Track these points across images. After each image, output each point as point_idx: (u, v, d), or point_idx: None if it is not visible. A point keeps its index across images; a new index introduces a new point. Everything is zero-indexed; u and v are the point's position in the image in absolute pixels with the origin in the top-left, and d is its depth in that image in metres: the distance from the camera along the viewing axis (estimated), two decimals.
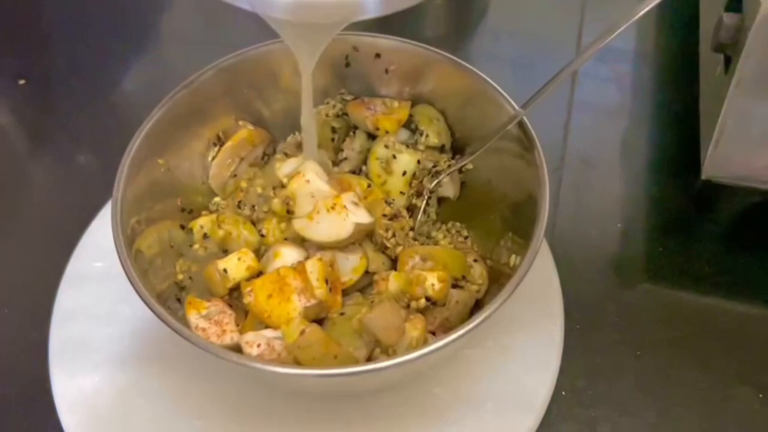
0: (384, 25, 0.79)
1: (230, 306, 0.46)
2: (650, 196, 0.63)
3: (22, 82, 0.74)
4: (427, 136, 0.52)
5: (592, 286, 0.56)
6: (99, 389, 0.49)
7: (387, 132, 0.52)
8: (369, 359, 0.42)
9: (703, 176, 0.55)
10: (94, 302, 0.53)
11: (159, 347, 0.50)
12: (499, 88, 0.48)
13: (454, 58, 0.51)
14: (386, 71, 0.53)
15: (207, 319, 0.44)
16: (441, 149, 0.53)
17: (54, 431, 0.48)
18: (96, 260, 0.55)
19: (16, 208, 0.63)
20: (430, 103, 0.54)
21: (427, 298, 0.45)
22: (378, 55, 0.52)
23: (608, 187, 0.64)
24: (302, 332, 0.40)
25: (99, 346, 0.51)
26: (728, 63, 0.51)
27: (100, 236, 0.57)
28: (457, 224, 0.52)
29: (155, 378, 0.49)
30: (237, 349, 0.42)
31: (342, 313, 0.44)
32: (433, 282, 0.44)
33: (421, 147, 0.52)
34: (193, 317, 0.44)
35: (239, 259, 0.46)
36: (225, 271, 0.45)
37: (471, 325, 0.39)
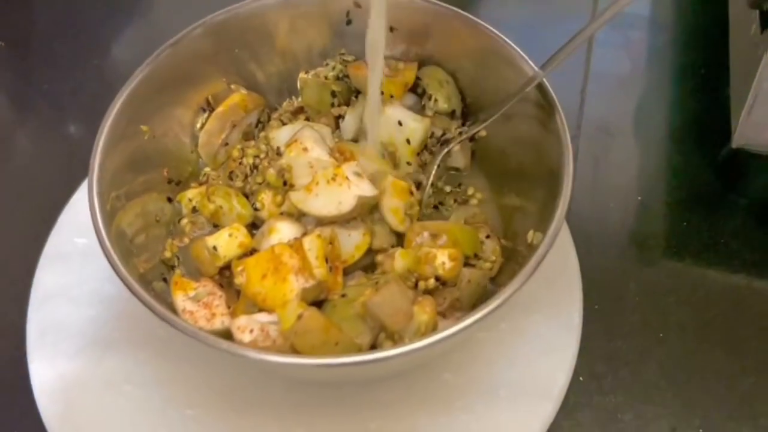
0: None
1: (221, 286, 0.42)
2: (672, 167, 0.60)
3: (0, 44, 0.70)
4: (435, 100, 0.49)
5: (611, 264, 0.54)
6: (81, 376, 0.46)
7: (392, 96, 0.48)
8: (373, 346, 0.39)
9: (734, 145, 0.52)
10: (76, 282, 0.50)
11: (147, 331, 0.47)
12: (516, 47, 0.44)
13: (466, 14, 0.47)
14: (391, 29, 0.49)
15: (195, 301, 0.40)
16: (451, 115, 0.50)
17: (32, 422, 0.45)
18: (78, 236, 0.52)
19: None
20: (439, 64, 0.50)
21: (437, 278, 0.41)
22: None
23: (627, 158, 0.61)
24: (300, 317, 0.36)
25: (81, 330, 0.48)
26: (765, 20, 0.47)
27: (83, 210, 0.52)
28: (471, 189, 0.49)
29: (143, 364, 0.46)
30: (228, 334, 0.39)
31: (343, 295, 0.41)
32: (443, 260, 0.41)
33: (430, 113, 0.49)
34: (180, 299, 0.40)
35: (230, 235, 0.42)
36: (215, 248, 0.42)
37: (486, 310, 0.35)
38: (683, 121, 0.63)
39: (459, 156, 0.49)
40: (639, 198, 0.58)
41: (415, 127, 0.47)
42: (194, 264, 0.43)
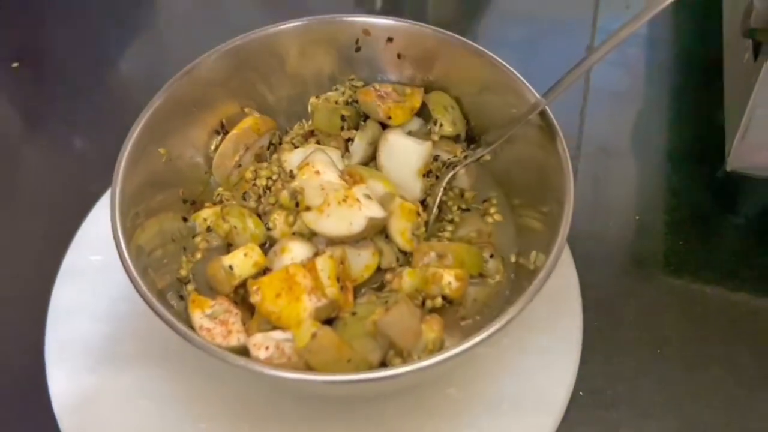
0: (390, 9, 0.78)
1: (236, 304, 0.44)
2: (670, 187, 0.62)
3: (15, 65, 0.73)
4: (441, 125, 0.50)
5: (610, 281, 0.55)
6: (99, 391, 0.48)
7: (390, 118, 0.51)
8: (383, 363, 0.40)
9: (728, 168, 0.54)
10: (93, 299, 0.52)
11: (162, 347, 0.49)
12: (518, 75, 0.47)
13: (471, 42, 0.49)
14: (398, 56, 0.52)
15: (212, 318, 0.42)
16: (456, 139, 0.51)
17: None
18: (94, 253, 0.54)
19: (9, 197, 0.63)
20: (444, 89, 0.52)
21: (444, 297, 0.43)
22: (390, 39, 0.51)
23: (626, 177, 0.63)
24: (314, 335, 0.38)
25: (98, 345, 0.50)
26: (758, 49, 0.49)
27: (98, 227, 0.56)
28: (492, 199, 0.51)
29: (158, 379, 0.48)
30: (244, 350, 0.41)
31: (354, 313, 0.42)
32: (450, 280, 0.43)
33: (435, 137, 0.50)
34: (197, 317, 0.42)
35: (245, 255, 0.44)
36: (231, 267, 0.43)
37: (492, 330, 0.37)
38: (680, 141, 0.65)
39: (464, 178, 0.51)
40: (637, 217, 0.59)
41: (417, 149, 0.49)
42: (210, 282, 0.45)
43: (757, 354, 0.51)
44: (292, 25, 0.50)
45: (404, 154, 0.49)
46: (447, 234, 0.49)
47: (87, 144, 0.67)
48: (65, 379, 0.48)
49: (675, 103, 0.68)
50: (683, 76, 0.71)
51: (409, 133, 0.51)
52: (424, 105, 0.51)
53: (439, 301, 0.43)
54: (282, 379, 0.36)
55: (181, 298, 0.45)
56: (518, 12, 0.79)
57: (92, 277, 0.52)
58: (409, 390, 0.45)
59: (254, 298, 0.41)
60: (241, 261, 0.44)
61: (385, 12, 0.76)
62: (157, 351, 0.49)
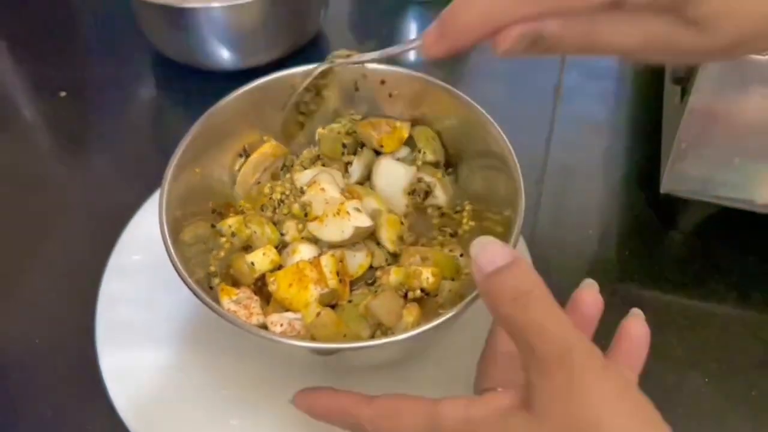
0: (378, 37, 0.86)
1: (255, 293, 0.53)
2: (621, 205, 0.71)
3: (63, 94, 0.80)
4: (424, 153, 0.59)
5: (566, 285, 0.59)
6: (141, 365, 0.56)
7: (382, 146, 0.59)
8: (372, 338, 0.50)
9: (662, 190, 0.62)
10: (134, 291, 0.60)
11: (193, 329, 0.58)
12: (486, 114, 0.55)
13: (451, 87, 0.57)
14: (390, 95, 0.60)
15: (237, 303, 0.51)
16: (436, 165, 0.60)
17: (102, 402, 0.55)
18: (134, 254, 0.63)
19: (62, 209, 0.70)
20: (428, 124, 0.60)
21: (422, 290, 0.52)
22: (383, 82, 0.59)
23: (585, 197, 0.71)
24: (318, 314, 0.48)
25: (140, 328, 0.58)
26: (683, 94, 0.59)
27: (137, 233, 0.64)
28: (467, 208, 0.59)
29: (189, 355, 0.57)
30: (263, 328, 0.50)
31: (350, 301, 0.52)
32: (427, 276, 0.52)
33: (419, 162, 0.59)
34: (226, 302, 0.51)
35: (264, 254, 0.53)
36: (252, 263, 0.53)
37: (451, 314, 0.45)
38: (632, 166, 0.73)
39: (442, 195, 0.59)
40: (591, 232, 0.68)
41: (404, 172, 0.58)
42: (234, 275, 0.54)
43: (683, 345, 0.59)
44: (302, 69, 0.59)
45: (394, 175, 0.58)
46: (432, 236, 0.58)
47: (126, 165, 0.74)
48: (113, 356, 0.56)
49: (630, 133, 0.77)
50: (638, 110, 0.79)
51: (398, 159, 0.60)
52: (410, 136, 0.60)
53: (418, 292, 0.52)
54: (292, 346, 0.45)
55: (211, 288, 0.54)
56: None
57: (134, 273, 0.61)
58: (393, 365, 0.53)
59: (271, 288, 0.51)
60: (261, 258, 0.53)
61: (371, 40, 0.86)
62: (188, 333, 0.58)
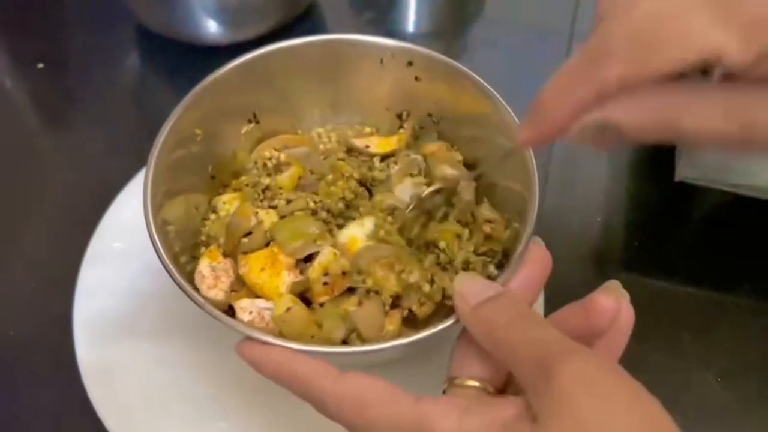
0: (376, 7, 0.83)
1: (235, 273, 0.49)
2: (629, 193, 0.67)
3: (40, 65, 0.76)
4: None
5: (572, 275, 0.60)
6: (121, 359, 0.53)
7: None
8: (345, 341, 0.46)
9: (677, 178, 0.60)
10: (115, 280, 0.57)
11: (176, 322, 0.54)
12: (512, 113, 0.50)
13: (479, 79, 0.52)
14: (416, 78, 0.56)
15: (212, 270, 0.47)
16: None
17: (79, 398, 0.52)
18: (115, 241, 0.59)
19: (37, 190, 0.67)
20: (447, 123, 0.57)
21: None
22: (410, 63, 0.55)
23: (591, 183, 0.68)
24: (288, 309, 0.44)
25: (119, 321, 0.55)
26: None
27: (119, 218, 0.60)
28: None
29: (173, 350, 0.53)
30: (219, 305, 0.46)
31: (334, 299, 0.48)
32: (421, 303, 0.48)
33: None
34: (204, 263, 0.48)
35: (267, 213, 0.50)
36: (257, 214, 0.49)
37: (430, 331, 0.41)
38: (643, 152, 0.70)
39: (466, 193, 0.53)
40: (599, 219, 0.65)
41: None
42: (229, 228, 0.50)
43: (696, 342, 0.57)
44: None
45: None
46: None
47: (107, 143, 0.70)
48: (91, 349, 0.53)
49: None
50: None
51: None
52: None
53: (405, 312, 0.48)
54: (251, 335, 0.40)
55: (194, 258, 0.50)
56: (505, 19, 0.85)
57: (114, 261, 0.58)
58: (386, 366, 0.51)
59: (242, 270, 0.47)
60: (266, 216, 0.49)
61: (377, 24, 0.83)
62: (172, 325, 0.54)
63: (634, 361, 0.56)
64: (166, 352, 0.54)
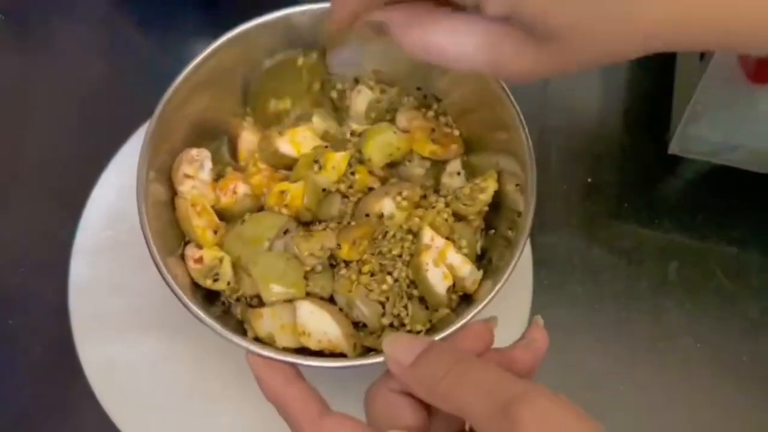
0: None
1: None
2: (621, 153, 0.65)
3: (1, 17, 0.70)
4: None
5: (561, 242, 0.61)
6: (124, 356, 0.54)
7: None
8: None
9: (669, 152, 0.59)
10: (108, 274, 0.56)
11: (179, 318, 0.51)
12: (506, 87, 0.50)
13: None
14: None
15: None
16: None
17: (82, 392, 0.53)
18: (103, 230, 0.58)
19: (10, 170, 0.63)
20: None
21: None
22: None
23: (582, 144, 0.66)
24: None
25: (119, 316, 0.55)
26: (703, 54, 0.54)
27: (105, 203, 0.59)
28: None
29: (176, 344, 0.54)
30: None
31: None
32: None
33: None
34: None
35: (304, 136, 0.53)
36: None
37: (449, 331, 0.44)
38: (635, 114, 0.67)
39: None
40: (589, 180, 0.64)
41: None
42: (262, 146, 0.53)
43: (678, 308, 0.59)
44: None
45: None
46: None
47: (81, 111, 0.65)
48: (93, 346, 0.54)
49: (634, 83, 0.69)
50: (645, 58, 0.72)
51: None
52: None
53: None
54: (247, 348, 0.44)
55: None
56: None
57: (106, 253, 0.57)
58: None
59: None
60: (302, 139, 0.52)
61: None
62: (175, 322, 0.51)
63: (620, 330, 0.57)
64: (167, 348, 0.54)
